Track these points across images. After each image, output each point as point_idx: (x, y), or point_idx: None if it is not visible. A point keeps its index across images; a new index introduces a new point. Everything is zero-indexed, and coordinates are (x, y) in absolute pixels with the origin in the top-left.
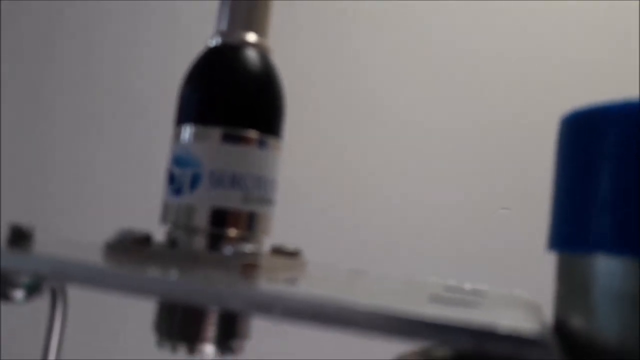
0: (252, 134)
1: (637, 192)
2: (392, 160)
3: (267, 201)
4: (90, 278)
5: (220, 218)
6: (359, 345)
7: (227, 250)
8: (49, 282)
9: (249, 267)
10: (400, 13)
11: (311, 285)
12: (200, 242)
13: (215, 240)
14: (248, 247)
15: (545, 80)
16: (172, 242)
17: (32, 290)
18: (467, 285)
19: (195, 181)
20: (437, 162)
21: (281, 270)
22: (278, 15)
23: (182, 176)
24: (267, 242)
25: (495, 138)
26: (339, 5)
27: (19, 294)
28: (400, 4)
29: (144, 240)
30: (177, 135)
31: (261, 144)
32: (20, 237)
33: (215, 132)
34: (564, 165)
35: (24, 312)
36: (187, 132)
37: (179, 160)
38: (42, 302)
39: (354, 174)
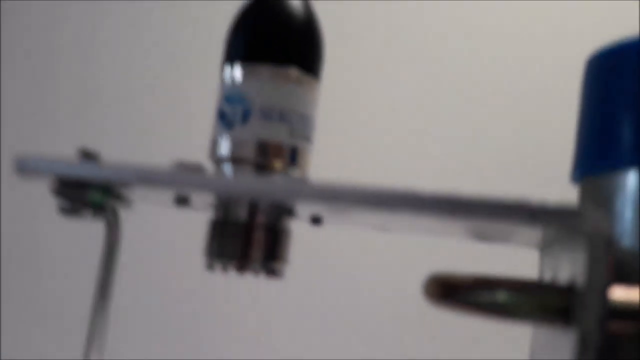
0: (297, 73)
1: None
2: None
3: (307, 138)
4: (169, 181)
5: (266, 151)
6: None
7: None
8: (113, 198)
9: None
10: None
11: None
12: (247, 173)
13: (261, 171)
14: (296, 173)
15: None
16: (221, 173)
17: (99, 207)
18: None
19: (246, 116)
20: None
21: None
22: None
23: (233, 112)
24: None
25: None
26: None
27: (87, 211)
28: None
29: (197, 169)
30: (225, 75)
31: (304, 83)
32: (88, 157)
33: (264, 70)
34: (589, 99)
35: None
36: (236, 71)
37: (230, 98)
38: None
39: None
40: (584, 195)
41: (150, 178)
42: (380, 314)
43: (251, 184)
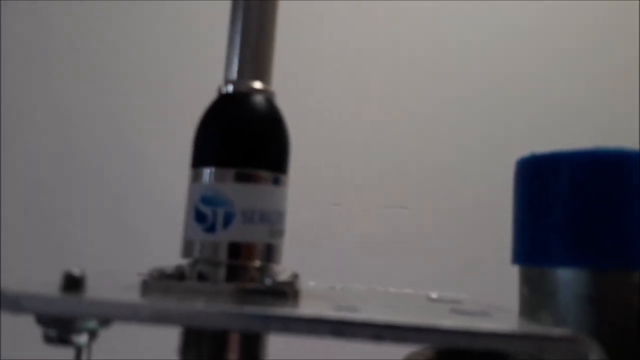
0: (267, 174)
1: (584, 218)
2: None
3: (282, 232)
4: (154, 318)
5: (241, 251)
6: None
7: (267, 281)
8: (108, 325)
9: (290, 295)
10: None
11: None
12: (221, 274)
13: (238, 272)
14: (282, 277)
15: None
16: (200, 276)
17: (94, 333)
18: (446, 294)
19: (228, 219)
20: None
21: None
22: None
23: (213, 215)
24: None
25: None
26: None
27: (82, 337)
28: None
29: (179, 276)
30: (197, 176)
31: (275, 181)
32: (73, 283)
33: (231, 173)
34: (522, 198)
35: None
36: (209, 173)
37: (208, 200)
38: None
39: None
40: (527, 283)
41: (136, 315)
42: None
43: (226, 317)
